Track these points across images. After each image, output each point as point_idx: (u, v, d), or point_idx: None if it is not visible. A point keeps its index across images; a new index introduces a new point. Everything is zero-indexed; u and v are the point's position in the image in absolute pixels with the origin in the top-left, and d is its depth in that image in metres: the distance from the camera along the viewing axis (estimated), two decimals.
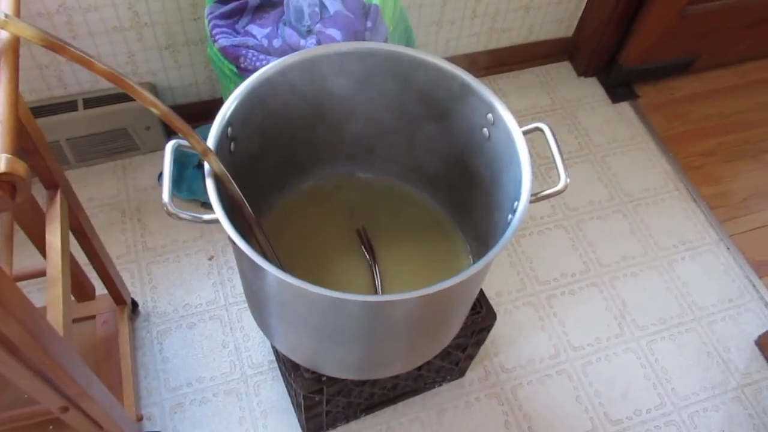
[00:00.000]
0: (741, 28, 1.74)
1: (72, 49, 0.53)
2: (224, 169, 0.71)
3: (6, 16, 0.51)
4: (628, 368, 1.30)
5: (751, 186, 1.62)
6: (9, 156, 0.46)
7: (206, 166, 0.70)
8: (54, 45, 0.53)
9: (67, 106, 1.32)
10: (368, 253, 0.97)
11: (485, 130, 0.83)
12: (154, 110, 0.63)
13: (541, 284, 1.40)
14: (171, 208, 0.66)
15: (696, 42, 1.72)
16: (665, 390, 1.28)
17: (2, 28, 0.52)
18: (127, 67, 1.33)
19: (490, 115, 0.81)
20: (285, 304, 0.75)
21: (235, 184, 0.73)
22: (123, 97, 1.34)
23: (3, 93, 0.52)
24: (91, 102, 1.33)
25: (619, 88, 1.76)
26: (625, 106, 1.74)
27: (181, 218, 0.67)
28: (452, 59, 0.82)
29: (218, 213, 0.66)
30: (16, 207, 0.83)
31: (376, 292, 0.94)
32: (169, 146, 0.71)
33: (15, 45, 0.55)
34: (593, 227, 1.50)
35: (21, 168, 0.46)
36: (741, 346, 1.35)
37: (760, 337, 1.35)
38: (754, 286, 1.44)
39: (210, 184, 0.69)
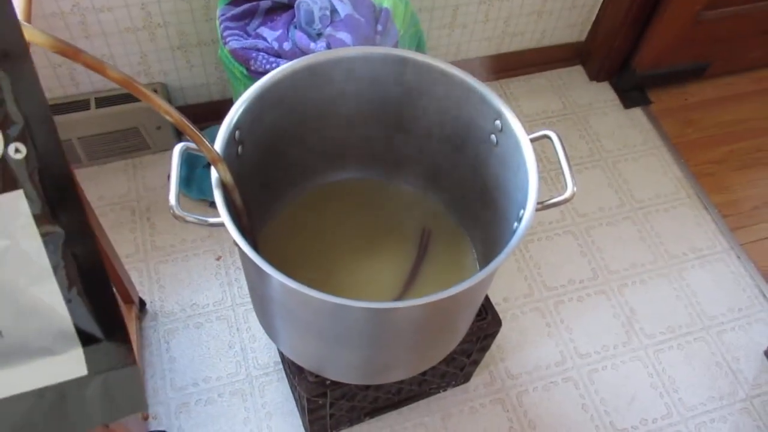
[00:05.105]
0: (756, 34, 1.72)
1: (86, 55, 0.53)
2: (231, 179, 0.70)
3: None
4: (635, 377, 1.30)
5: (762, 194, 1.60)
6: None
7: (214, 173, 0.70)
8: (67, 51, 0.53)
9: (79, 105, 1.33)
10: (420, 256, 0.99)
11: (493, 136, 0.83)
12: (168, 117, 0.63)
13: (548, 290, 1.39)
14: (177, 211, 0.67)
15: (710, 47, 1.71)
16: (672, 399, 1.27)
17: None
18: (139, 67, 1.34)
19: (498, 122, 0.81)
20: (289, 309, 0.75)
21: (239, 195, 0.73)
22: (135, 97, 1.34)
23: None
24: (103, 101, 1.34)
25: (632, 93, 1.75)
26: (637, 112, 1.73)
27: (187, 221, 0.67)
28: (463, 63, 0.82)
29: (225, 218, 0.67)
30: None
31: (401, 295, 0.95)
32: (177, 149, 0.71)
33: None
34: (602, 234, 1.49)
35: None
36: (750, 356, 1.34)
37: None
38: (764, 296, 1.42)
39: (217, 193, 0.69)
